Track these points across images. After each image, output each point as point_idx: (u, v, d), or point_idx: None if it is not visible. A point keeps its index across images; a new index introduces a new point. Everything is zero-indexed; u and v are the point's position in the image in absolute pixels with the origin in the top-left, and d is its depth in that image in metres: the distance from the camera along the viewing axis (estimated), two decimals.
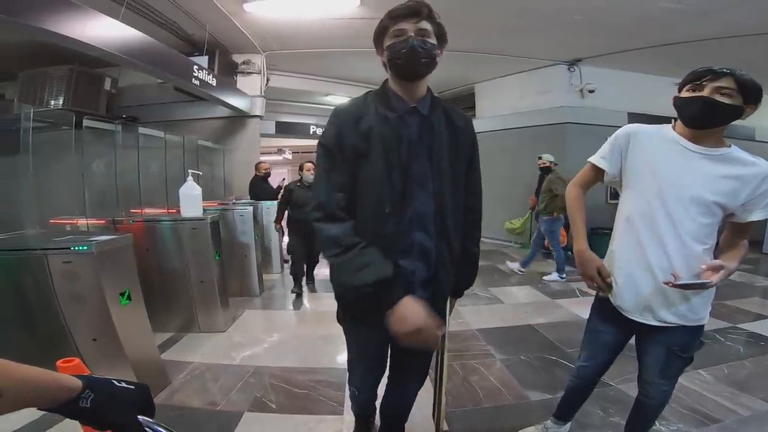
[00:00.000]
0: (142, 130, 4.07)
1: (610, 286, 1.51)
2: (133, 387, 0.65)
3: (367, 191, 1.18)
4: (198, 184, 3.53)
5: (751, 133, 8.33)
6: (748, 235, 1.44)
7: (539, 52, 6.68)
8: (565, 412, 1.93)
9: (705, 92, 1.30)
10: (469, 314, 3.96)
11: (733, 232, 1.44)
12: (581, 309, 4.03)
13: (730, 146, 1.39)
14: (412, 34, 1.14)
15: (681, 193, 1.36)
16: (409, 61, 1.15)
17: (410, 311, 1.09)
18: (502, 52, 6.61)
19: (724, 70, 1.30)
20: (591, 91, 6.99)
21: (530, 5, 4.78)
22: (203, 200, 3.64)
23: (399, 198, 1.18)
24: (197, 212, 3.41)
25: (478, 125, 8.42)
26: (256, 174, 5.99)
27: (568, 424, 1.98)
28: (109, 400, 0.60)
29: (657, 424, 2.08)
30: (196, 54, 5.74)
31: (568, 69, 7.06)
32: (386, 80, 1.26)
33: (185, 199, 3.39)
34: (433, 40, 1.17)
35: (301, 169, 4.46)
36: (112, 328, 2.17)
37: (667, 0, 4.47)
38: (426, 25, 1.15)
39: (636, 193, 1.46)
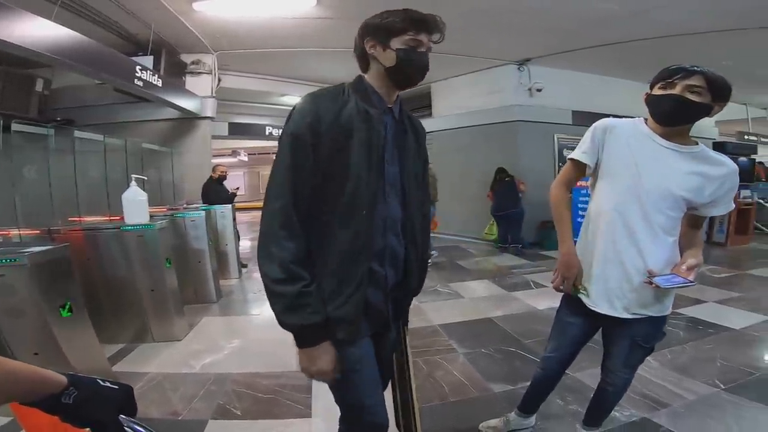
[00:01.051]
0: (78, 133, 3.82)
1: (577, 290, 1.56)
2: (116, 387, 0.67)
3: (341, 191, 1.06)
4: (143, 189, 3.35)
5: None
6: (702, 227, 1.54)
7: (491, 53, 6.87)
8: (529, 404, 1.96)
9: (676, 90, 1.34)
10: (431, 310, 4.00)
11: (690, 224, 1.51)
12: (536, 300, 4.19)
13: (698, 144, 1.45)
14: (424, 50, 1.11)
15: (653, 187, 1.40)
16: (416, 73, 1.13)
17: (325, 357, 1.08)
18: (455, 52, 6.72)
19: (695, 69, 1.33)
20: (539, 90, 7.28)
21: (480, 6, 4.90)
22: (150, 206, 3.48)
23: (374, 200, 1.09)
24: (143, 219, 3.25)
25: (434, 124, 8.66)
26: (211, 176, 5.78)
27: (533, 417, 2.00)
28: (92, 398, 0.61)
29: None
30: (140, 54, 5.48)
31: (518, 69, 7.31)
32: (361, 76, 1.17)
33: (129, 205, 3.23)
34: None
35: None
36: (54, 341, 2.11)
37: (604, 1, 4.71)
38: (437, 40, 1.14)
39: (610, 187, 1.49)
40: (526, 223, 6.87)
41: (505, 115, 7.41)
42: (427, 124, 8.76)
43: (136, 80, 4.73)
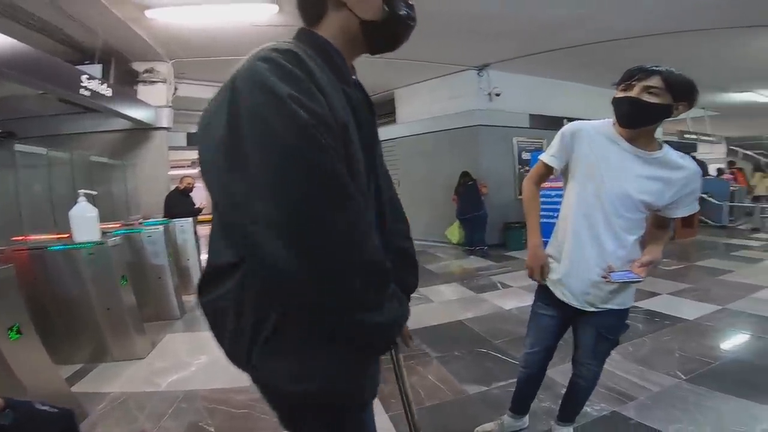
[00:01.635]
0: (19, 146, 3.55)
1: (543, 280, 1.68)
2: (56, 410, 0.66)
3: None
4: (93, 204, 3.16)
5: None
6: (669, 227, 1.59)
7: (452, 58, 7.02)
8: (519, 405, 2.00)
9: (634, 92, 1.37)
10: None
11: (656, 224, 1.58)
12: (503, 301, 4.28)
13: (662, 147, 1.48)
14: (412, 3, 0.87)
15: (614, 190, 1.46)
16: (403, 38, 0.86)
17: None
18: (417, 58, 6.83)
19: (653, 69, 1.36)
20: (497, 95, 7.49)
21: (439, 11, 4.98)
22: (102, 222, 3.28)
23: (374, 198, 0.85)
24: (93, 236, 3.08)
25: (398, 131, 8.72)
26: (177, 187, 5.53)
27: (526, 417, 2.05)
28: (30, 421, 0.60)
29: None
30: (87, 62, 5.20)
31: (478, 74, 7.49)
32: (314, 33, 0.79)
33: (77, 222, 3.04)
34: None
35: None
36: (5, 364, 2.03)
37: (552, 6, 4.91)
38: None
39: (576, 190, 1.55)
40: (490, 224, 7.03)
41: (467, 120, 7.57)
42: (392, 130, 8.87)
43: (82, 90, 4.46)
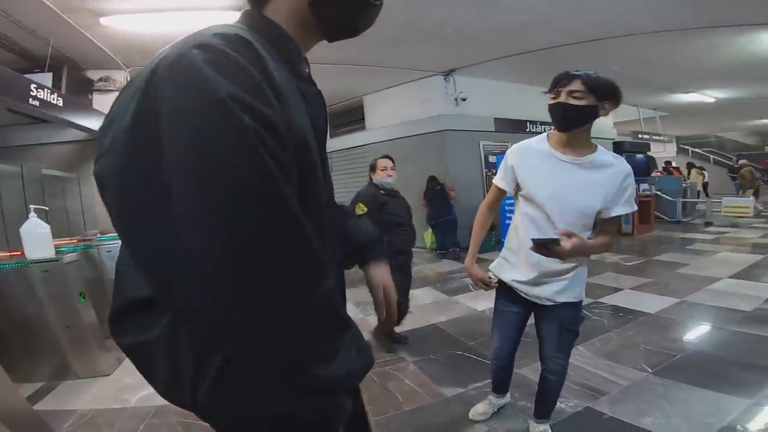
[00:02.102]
0: None
1: (490, 286, 1.84)
2: None
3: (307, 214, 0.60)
4: (46, 220, 2.99)
5: None
6: (614, 228, 1.64)
7: (418, 64, 7.10)
8: (499, 387, 2.19)
9: (561, 98, 1.48)
10: (377, 322, 3.95)
11: (601, 227, 1.64)
12: (475, 302, 4.33)
13: (596, 148, 1.58)
14: None
15: (562, 199, 1.55)
16: (362, 19, 0.72)
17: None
18: (385, 64, 6.88)
19: (574, 74, 1.46)
20: (464, 100, 7.64)
21: (404, 18, 5.03)
22: (57, 238, 3.12)
23: (328, 217, 0.73)
24: (47, 253, 2.92)
25: (368, 137, 8.71)
26: None
27: (508, 394, 2.27)
28: None
29: (557, 402, 2.29)
30: (37, 71, 4.94)
31: (444, 79, 7.62)
32: (265, 16, 0.65)
33: (29, 238, 2.88)
34: None
35: (372, 169, 3.27)
36: None
37: (515, 11, 5.07)
38: None
39: (525, 203, 1.66)
40: (459, 227, 7.13)
41: (434, 125, 7.67)
42: (361, 137, 8.88)
43: (31, 99, 4.22)
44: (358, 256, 0.94)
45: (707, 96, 10.32)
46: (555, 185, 1.55)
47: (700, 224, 9.21)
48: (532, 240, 1.41)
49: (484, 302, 4.26)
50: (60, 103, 4.67)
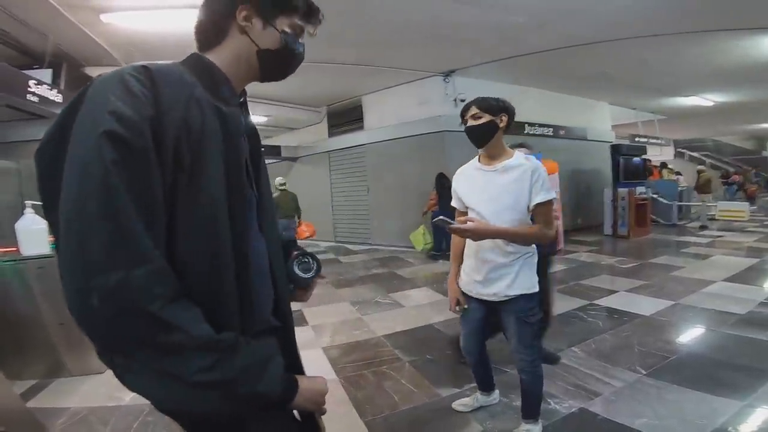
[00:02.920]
0: None
1: (464, 309, 2.04)
2: None
3: (198, 225, 0.71)
4: (42, 216, 2.98)
5: (583, 133, 9.99)
6: (543, 217, 1.82)
7: (418, 64, 7.12)
8: (483, 385, 2.34)
9: (468, 123, 1.89)
10: (373, 322, 3.98)
11: (536, 219, 1.84)
12: None
13: (512, 155, 1.88)
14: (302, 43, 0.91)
15: (494, 203, 1.83)
16: (292, 69, 0.92)
17: (315, 383, 0.87)
18: (384, 65, 6.89)
19: (469, 102, 1.90)
20: (463, 101, 7.61)
21: (406, 19, 5.06)
22: (53, 234, 3.08)
23: (242, 238, 0.79)
24: (43, 249, 2.91)
25: (366, 137, 8.73)
26: None
27: (496, 392, 2.39)
28: None
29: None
30: (36, 67, 4.92)
31: (444, 80, 7.64)
32: (199, 56, 0.84)
33: (25, 235, 2.88)
34: None
35: None
36: None
37: (513, 13, 5.08)
38: (312, 33, 0.94)
39: (470, 211, 1.91)
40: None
41: (434, 126, 7.68)
42: (360, 136, 8.88)
43: (29, 95, 4.22)
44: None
45: (706, 99, 10.37)
46: (485, 192, 1.87)
47: (695, 228, 9.27)
48: (435, 220, 1.75)
49: None
50: (59, 99, 4.67)
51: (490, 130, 1.84)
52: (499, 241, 1.82)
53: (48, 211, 0.68)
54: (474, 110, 1.85)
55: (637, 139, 11.82)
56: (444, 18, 5.14)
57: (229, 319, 0.74)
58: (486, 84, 8.04)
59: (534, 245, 1.91)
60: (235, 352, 0.69)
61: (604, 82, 8.58)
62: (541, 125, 8.90)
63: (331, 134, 9.81)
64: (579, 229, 9.45)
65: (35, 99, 4.30)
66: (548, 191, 1.79)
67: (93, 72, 5.89)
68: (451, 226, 1.72)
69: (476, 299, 1.97)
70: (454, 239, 2.09)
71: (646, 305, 3.96)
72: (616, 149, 9.32)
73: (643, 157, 9.79)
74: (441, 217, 1.72)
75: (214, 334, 0.67)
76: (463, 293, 2.03)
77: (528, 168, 1.80)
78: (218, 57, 0.83)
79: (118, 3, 4.19)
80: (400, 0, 4.60)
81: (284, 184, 7.31)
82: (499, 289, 1.86)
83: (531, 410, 2.05)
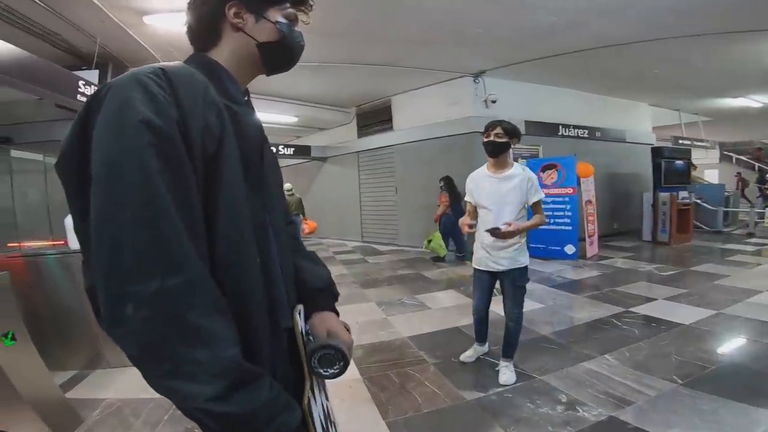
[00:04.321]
0: (15, 152, 3.54)
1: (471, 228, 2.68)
2: None
3: (226, 229, 0.70)
4: None
5: (621, 135, 9.62)
6: (539, 209, 2.59)
7: (448, 65, 7.05)
8: (480, 336, 3.01)
9: (491, 137, 2.53)
10: (399, 323, 3.98)
11: (534, 211, 2.61)
12: (499, 307, 4.18)
13: (512, 166, 2.60)
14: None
15: (499, 202, 2.57)
16: (297, 58, 0.91)
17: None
18: (414, 65, 6.87)
19: (497, 123, 2.54)
20: (493, 102, 7.53)
21: (435, 19, 5.03)
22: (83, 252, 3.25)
23: (266, 236, 0.80)
24: None
25: (396, 137, 8.74)
26: None
27: (486, 344, 3.08)
28: None
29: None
30: (84, 68, 5.20)
31: (474, 81, 7.54)
32: (203, 55, 0.83)
33: (72, 229, 3.01)
34: None
35: None
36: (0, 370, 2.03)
37: (546, 13, 4.96)
38: (306, 21, 0.92)
39: (480, 208, 2.69)
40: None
41: (463, 127, 7.59)
42: (389, 137, 8.91)
43: (79, 96, 4.46)
44: (309, 301, 0.95)
45: (754, 101, 9.80)
46: (493, 194, 2.59)
47: (741, 235, 8.76)
48: (487, 230, 2.49)
49: None
50: None
51: (505, 147, 2.54)
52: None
53: (78, 224, 0.65)
54: (499, 130, 2.51)
55: (680, 141, 11.28)
56: (475, 18, 5.08)
57: (257, 317, 0.73)
58: (517, 85, 7.90)
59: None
60: (252, 388, 0.62)
61: (644, 83, 8.24)
62: (575, 127, 8.64)
63: (360, 134, 9.88)
64: (615, 234, 9.12)
65: (84, 99, 4.54)
66: (539, 192, 2.57)
67: None
68: (501, 231, 2.43)
69: (487, 271, 2.68)
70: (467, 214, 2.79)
71: (685, 314, 3.78)
72: (657, 152, 8.94)
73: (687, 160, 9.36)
74: (488, 229, 2.49)
75: (240, 359, 0.62)
76: (476, 268, 2.74)
77: (525, 177, 2.54)
78: (219, 57, 0.82)
79: (159, 5, 4.37)
80: (430, 0, 4.60)
81: (291, 189, 8.43)
82: (503, 264, 2.59)
83: (510, 351, 2.75)
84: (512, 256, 2.56)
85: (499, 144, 2.50)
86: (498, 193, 2.55)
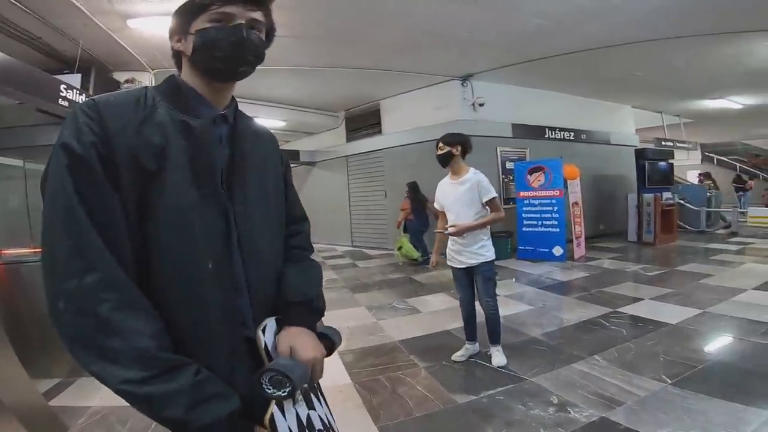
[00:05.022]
0: None
1: (441, 265, 3.18)
2: None
3: (169, 236, 0.75)
4: None
5: (606, 137, 9.79)
6: (494, 207, 2.87)
7: (435, 69, 7.10)
8: (470, 334, 3.17)
9: (439, 152, 2.92)
10: (390, 327, 3.96)
11: (491, 209, 2.87)
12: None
13: (468, 171, 2.92)
14: (242, 22, 0.84)
15: (456, 204, 2.90)
16: (234, 55, 0.85)
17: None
18: (402, 69, 6.90)
19: (439, 139, 2.96)
20: (481, 105, 7.59)
21: (422, 22, 5.06)
22: None
23: (223, 245, 0.82)
24: None
25: (384, 141, 8.74)
26: None
27: (477, 344, 3.20)
28: None
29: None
30: (67, 72, 5.10)
31: (462, 84, 7.59)
32: (173, 76, 0.90)
33: None
34: (263, 36, 0.91)
35: None
36: None
37: (534, 15, 5.02)
38: (260, 16, 0.88)
39: (446, 210, 3.00)
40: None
41: (452, 130, 7.55)
42: (378, 141, 8.90)
43: (60, 100, 4.37)
44: (284, 314, 0.92)
45: (734, 102, 10.03)
46: (452, 198, 2.93)
47: (724, 234, 8.95)
48: (437, 231, 3.03)
49: (500, 310, 4.21)
50: None
51: (449, 156, 2.90)
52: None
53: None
54: (441, 144, 2.91)
55: (663, 143, 11.48)
56: (463, 22, 5.13)
57: (207, 328, 0.78)
58: (504, 88, 7.97)
59: (484, 231, 2.91)
60: (173, 375, 0.69)
61: (627, 85, 8.39)
62: (561, 129, 8.74)
63: (348, 139, 9.86)
64: (601, 235, 9.24)
65: (66, 103, 4.43)
66: (490, 192, 2.83)
67: (120, 77, 6.09)
68: (444, 232, 2.89)
69: (461, 268, 2.97)
70: (440, 226, 3.05)
71: (672, 313, 3.83)
72: (640, 154, 9.09)
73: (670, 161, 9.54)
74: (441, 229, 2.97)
75: (155, 350, 0.68)
76: (452, 267, 3.03)
77: (475, 180, 2.85)
78: (185, 78, 0.90)
79: (144, 8, 4.32)
80: (418, 4, 4.62)
81: None
82: (472, 259, 2.88)
83: (496, 337, 3.06)
84: (478, 251, 2.88)
85: (442, 155, 2.89)
86: (454, 196, 2.89)
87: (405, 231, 7.44)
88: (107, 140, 0.73)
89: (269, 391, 0.77)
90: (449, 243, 2.97)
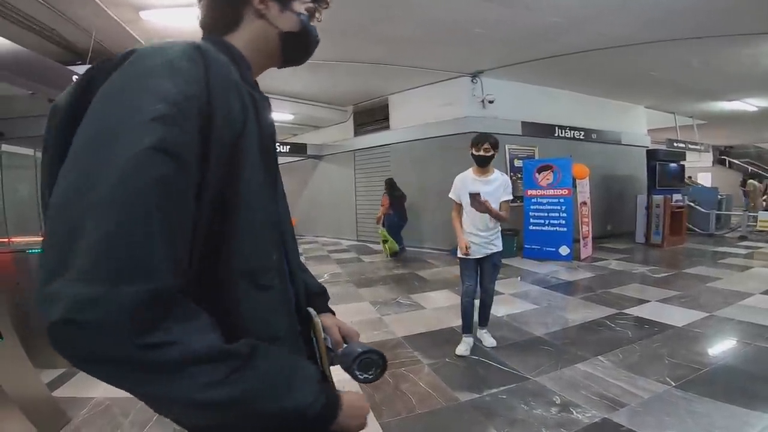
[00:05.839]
0: (6, 147, 3.50)
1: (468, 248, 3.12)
2: None
3: (243, 228, 0.63)
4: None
5: (617, 137, 9.68)
6: (506, 206, 3.09)
7: (445, 65, 7.05)
8: (467, 326, 3.26)
9: (481, 151, 3.05)
10: (393, 323, 3.97)
11: (501, 208, 3.05)
12: (494, 308, 4.22)
13: (493, 171, 3.16)
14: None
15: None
16: (312, 52, 0.89)
17: (357, 398, 0.70)
18: (412, 64, 6.85)
19: (483, 137, 3.07)
20: (491, 102, 7.53)
21: (433, 17, 5.02)
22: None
23: (279, 235, 0.75)
24: None
25: (392, 137, 8.73)
26: None
27: (471, 337, 3.29)
28: None
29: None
30: (79, 63, 5.14)
31: (471, 81, 7.54)
32: (222, 39, 0.77)
33: None
34: None
35: None
36: None
37: (545, 14, 4.96)
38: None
39: (464, 203, 3.11)
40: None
41: (460, 127, 7.58)
42: (385, 136, 8.89)
43: None
44: (311, 305, 0.92)
45: (750, 105, 9.87)
46: (481, 193, 2.99)
47: (734, 238, 8.83)
48: (471, 193, 2.95)
49: (503, 308, 4.21)
50: None
51: (491, 159, 3.09)
52: (489, 224, 3.08)
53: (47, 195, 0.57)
54: (488, 146, 3.04)
55: (675, 144, 11.33)
56: (474, 17, 5.08)
57: (275, 321, 0.69)
58: (514, 85, 7.91)
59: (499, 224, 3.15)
60: (252, 361, 0.54)
61: (640, 85, 8.28)
62: (572, 128, 8.67)
63: (356, 133, 9.86)
64: (609, 235, 9.17)
65: None
66: (510, 194, 3.12)
67: None
68: (482, 200, 2.90)
69: (473, 259, 3.14)
70: (456, 217, 3.25)
71: (678, 316, 3.80)
72: (651, 154, 8.98)
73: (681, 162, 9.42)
74: (474, 194, 2.92)
75: (222, 343, 0.53)
76: (464, 258, 3.14)
77: (504, 180, 3.12)
78: (236, 42, 0.77)
79: (156, 0, 4.33)
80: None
81: None
82: (487, 250, 3.13)
83: (486, 320, 3.37)
84: (495, 242, 3.15)
85: (488, 157, 3.07)
86: (484, 192, 3.02)
87: (383, 225, 7.85)
88: (212, 112, 0.57)
89: (362, 376, 0.77)
90: (473, 237, 3.13)
